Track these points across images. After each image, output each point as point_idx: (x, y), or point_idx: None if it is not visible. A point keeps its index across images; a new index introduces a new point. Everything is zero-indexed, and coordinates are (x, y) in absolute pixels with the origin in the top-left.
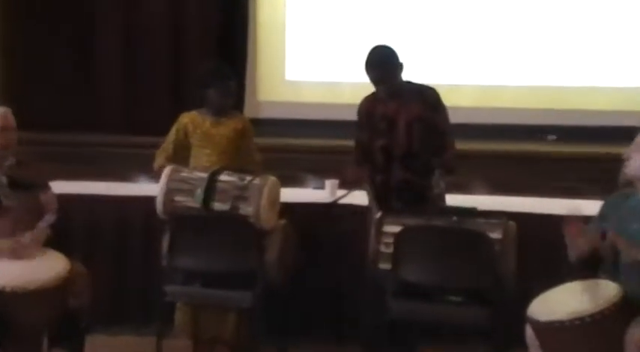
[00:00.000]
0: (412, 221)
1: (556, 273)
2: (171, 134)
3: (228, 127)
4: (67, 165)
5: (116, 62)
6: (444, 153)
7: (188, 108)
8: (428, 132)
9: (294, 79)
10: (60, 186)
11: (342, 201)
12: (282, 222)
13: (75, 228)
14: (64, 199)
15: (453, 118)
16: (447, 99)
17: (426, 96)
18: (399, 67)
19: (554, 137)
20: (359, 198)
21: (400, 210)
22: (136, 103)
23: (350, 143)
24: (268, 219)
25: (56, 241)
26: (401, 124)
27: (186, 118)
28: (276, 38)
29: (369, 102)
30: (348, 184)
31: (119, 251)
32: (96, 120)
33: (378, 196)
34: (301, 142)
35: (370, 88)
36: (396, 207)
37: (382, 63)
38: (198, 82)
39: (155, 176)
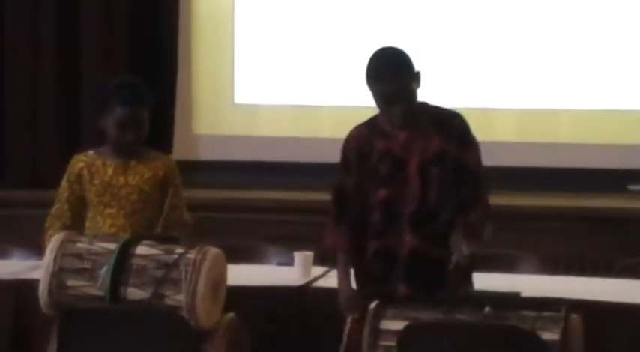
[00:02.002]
0: (424, 314)
1: None
2: (63, 190)
3: (140, 175)
4: None
5: None
6: (472, 209)
7: (86, 148)
8: (452, 179)
9: (247, 102)
10: None
11: (321, 282)
12: (229, 316)
13: None
14: None
15: (485, 159)
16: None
17: (452, 126)
18: (416, 78)
19: None
20: None
21: (404, 298)
22: (5, 145)
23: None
24: (208, 313)
25: None
26: (412, 166)
27: (80, 162)
28: (220, 42)
29: (361, 134)
30: (327, 256)
31: None
32: None
33: (370, 274)
34: (258, 196)
35: (361, 117)
36: (399, 291)
37: (398, 71)
38: (95, 107)
39: (40, 252)
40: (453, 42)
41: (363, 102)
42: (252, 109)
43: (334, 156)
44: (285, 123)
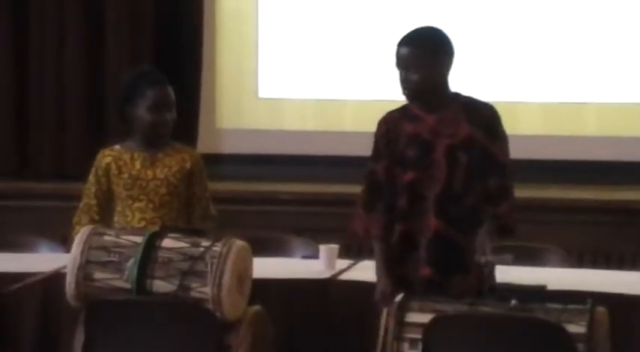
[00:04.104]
0: (449, 307)
1: None
2: (90, 184)
3: (168, 168)
4: None
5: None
6: (501, 201)
7: (111, 142)
8: (478, 166)
9: (271, 97)
10: None
11: (346, 275)
12: (255, 308)
13: None
14: None
15: (511, 152)
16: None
17: (481, 116)
18: (446, 57)
19: None
20: (373, 270)
21: (426, 281)
22: (31, 138)
23: (356, 189)
24: (234, 305)
25: None
26: (439, 150)
27: (107, 156)
28: (245, 36)
29: (392, 119)
30: (353, 242)
31: None
32: None
33: (395, 257)
34: (282, 188)
35: (383, 111)
36: (422, 276)
37: (421, 40)
38: (118, 98)
39: (66, 244)
40: (477, 35)
41: (385, 96)
42: (276, 103)
43: (357, 149)
44: (308, 116)
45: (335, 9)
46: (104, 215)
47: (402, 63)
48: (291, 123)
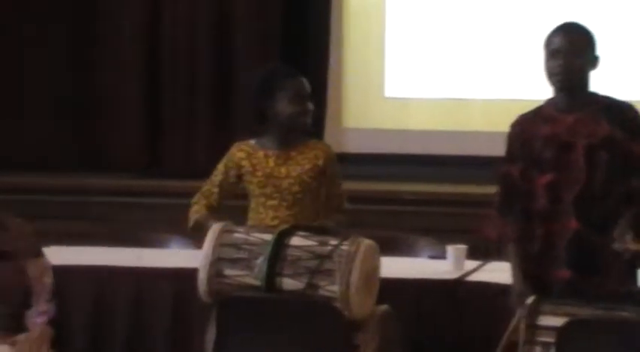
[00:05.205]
0: (583, 310)
1: None
2: (218, 172)
3: (301, 166)
4: (62, 224)
5: (132, 80)
6: None
7: (236, 139)
8: (619, 167)
9: (397, 96)
10: (54, 254)
11: (474, 277)
12: (382, 308)
13: (75, 315)
14: (61, 272)
15: None
16: None
17: (623, 115)
18: (593, 53)
19: None
20: (501, 272)
21: (564, 282)
22: (161, 134)
23: (484, 190)
24: (362, 304)
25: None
26: (579, 150)
27: (241, 151)
28: (371, 36)
29: (526, 120)
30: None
31: (138, 350)
32: (102, 157)
33: (538, 262)
34: (410, 188)
35: (512, 111)
36: (561, 278)
37: (571, 29)
38: (252, 96)
39: (193, 238)
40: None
41: (514, 95)
42: (402, 103)
43: (484, 148)
44: (434, 116)
45: (462, 7)
46: (221, 204)
47: (555, 50)
48: (417, 122)
